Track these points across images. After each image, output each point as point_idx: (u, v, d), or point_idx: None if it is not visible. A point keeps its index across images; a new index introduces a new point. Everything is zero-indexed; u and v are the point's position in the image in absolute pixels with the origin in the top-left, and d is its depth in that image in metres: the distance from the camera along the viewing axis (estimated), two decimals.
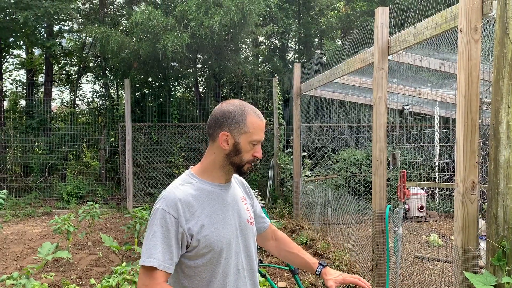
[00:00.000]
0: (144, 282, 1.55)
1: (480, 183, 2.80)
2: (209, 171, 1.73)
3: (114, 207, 10.20)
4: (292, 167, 8.86)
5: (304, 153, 8.68)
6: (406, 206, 7.33)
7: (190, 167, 1.80)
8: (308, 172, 8.66)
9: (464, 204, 2.75)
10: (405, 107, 6.97)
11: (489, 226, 2.50)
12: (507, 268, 2.40)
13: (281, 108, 10.25)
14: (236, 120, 1.68)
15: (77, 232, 6.99)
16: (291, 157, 8.97)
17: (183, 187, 1.67)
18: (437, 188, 7.22)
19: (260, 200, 6.38)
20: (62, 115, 13.22)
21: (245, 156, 1.70)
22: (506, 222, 2.41)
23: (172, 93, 11.86)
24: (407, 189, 4.31)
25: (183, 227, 1.59)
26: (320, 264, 1.98)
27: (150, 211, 7.11)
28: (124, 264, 4.39)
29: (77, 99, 14.05)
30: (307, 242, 6.52)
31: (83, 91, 22.38)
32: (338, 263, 5.33)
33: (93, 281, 4.31)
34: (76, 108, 13.94)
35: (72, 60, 14.05)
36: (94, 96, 13.76)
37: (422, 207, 7.51)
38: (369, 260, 4.73)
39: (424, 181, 6.84)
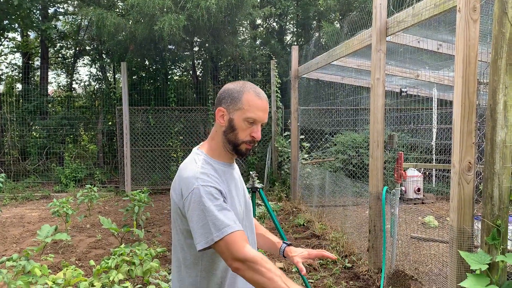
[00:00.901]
0: (232, 255, 1.49)
1: (477, 164, 2.81)
2: (218, 150, 1.73)
3: (112, 191, 10.23)
4: (289, 150, 8.88)
5: (302, 136, 8.69)
6: (403, 188, 7.37)
7: (199, 147, 1.77)
8: (306, 155, 8.68)
9: (460, 185, 2.78)
10: (403, 89, 6.96)
11: (484, 206, 2.52)
12: (501, 247, 2.43)
13: (279, 91, 10.21)
14: (233, 97, 1.67)
15: (75, 215, 7.02)
16: (289, 140, 8.98)
17: (207, 166, 1.65)
18: (434, 170, 7.26)
19: (258, 182, 6.41)
20: (59, 98, 13.15)
21: (240, 135, 1.68)
22: (501, 202, 2.43)
23: (169, 77, 11.79)
24: (404, 171, 4.33)
25: (224, 195, 1.60)
26: (284, 243, 1.99)
27: (149, 193, 7.07)
28: (123, 245, 4.42)
29: (73, 82, 13.98)
30: (304, 224, 6.57)
31: (79, 74, 22.29)
32: (335, 244, 5.39)
33: (92, 262, 4.35)
34: (73, 91, 13.86)
35: (68, 43, 13.92)
36: (90, 80, 13.69)
37: (418, 189, 7.56)
38: (365, 241, 4.78)
39: (421, 163, 6.87)
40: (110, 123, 11.96)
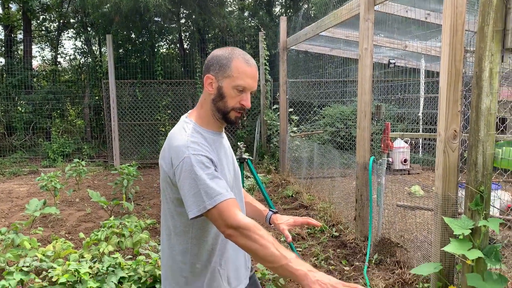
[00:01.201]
0: (224, 222, 1.49)
1: (462, 132, 2.85)
2: (207, 119, 1.71)
3: (101, 165, 10.19)
4: (278, 123, 8.88)
5: (291, 109, 8.68)
6: (390, 159, 7.45)
7: (187, 115, 1.75)
8: (295, 128, 8.70)
9: (446, 153, 2.81)
10: (391, 61, 6.95)
11: (468, 172, 2.56)
12: (484, 212, 2.48)
13: (267, 64, 10.12)
14: (221, 64, 1.64)
15: (64, 189, 7.00)
16: (278, 113, 8.97)
17: (196, 134, 1.64)
18: (420, 140, 7.34)
19: (248, 155, 6.43)
20: (44, 73, 12.90)
21: (229, 102, 1.66)
22: (485, 169, 2.47)
23: (156, 50, 11.60)
24: (391, 141, 4.37)
25: (215, 164, 1.59)
26: (270, 211, 2.01)
27: (138, 167, 7.04)
28: (112, 218, 4.44)
29: (58, 56, 13.69)
30: (293, 195, 6.64)
31: (64, 48, 21.80)
32: (322, 214, 5.47)
33: (82, 235, 4.36)
34: (58, 65, 13.60)
35: (52, 16, 13.56)
36: (76, 53, 13.41)
37: (405, 160, 7.65)
38: (352, 210, 4.86)
39: (408, 133, 6.93)
40: (97, 97, 11.81)
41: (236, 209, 1.52)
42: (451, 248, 2.44)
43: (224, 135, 1.81)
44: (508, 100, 2.73)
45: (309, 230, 5.03)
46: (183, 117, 1.75)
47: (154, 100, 10.62)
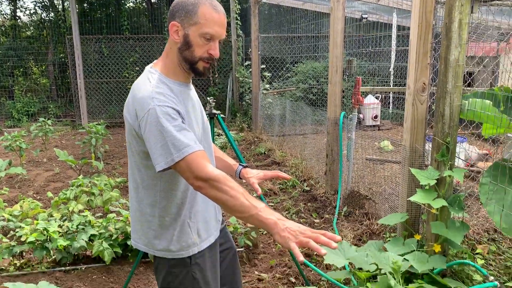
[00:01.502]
0: (193, 174, 1.46)
1: (431, 85, 2.86)
2: (173, 69, 1.63)
3: (68, 124, 9.92)
4: (251, 80, 8.77)
5: (263, 66, 8.56)
6: (361, 115, 7.54)
7: (152, 65, 1.67)
8: (267, 85, 8.62)
9: (414, 105, 2.83)
10: (363, 16, 6.88)
11: (436, 124, 2.59)
12: (449, 162, 2.54)
13: (238, 18, 9.86)
14: (187, 10, 1.56)
15: (30, 149, 6.80)
16: (250, 70, 8.84)
17: (162, 85, 1.57)
18: (391, 96, 7.42)
19: (220, 113, 6.35)
20: (2, 28, 12.21)
21: (197, 52, 1.58)
22: (451, 120, 2.51)
23: (121, 3, 11.09)
24: (362, 96, 4.38)
25: (182, 116, 1.54)
26: (240, 165, 2.00)
27: (107, 126, 6.89)
28: (81, 177, 4.35)
29: (18, 10, 12.93)
30: (265, 152, 6.67)
31: (24, 1, 20.59)
32: (294, 170, 5.53)
33: (50, 194, 4.29)
34: (18, 20, 12.87)
35: None
36: (37, 8, 12.70)
37: (376, 116, 7.74)
38: (323, 165, 4.92)
39: (378, 87, 6.98)
40: (61, 54, 11.33)
41: (205, 161, 1.48)
42: (417, 197, 2.51)
43: (191, 86, 1.75)
44: (478, 55, 2.74)
45: (281, 185, 5.09)
46: (147, 68, 1.67)
47: (121, 57, 10.26)
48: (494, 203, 2.27)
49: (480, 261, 2.78)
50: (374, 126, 7.78)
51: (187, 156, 1.46)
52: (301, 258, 1.36)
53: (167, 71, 1.63)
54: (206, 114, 2.79)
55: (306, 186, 4.96)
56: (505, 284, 2.49)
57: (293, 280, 3.10)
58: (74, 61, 9.44)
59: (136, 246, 1.75)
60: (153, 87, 1.54)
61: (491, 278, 2.33)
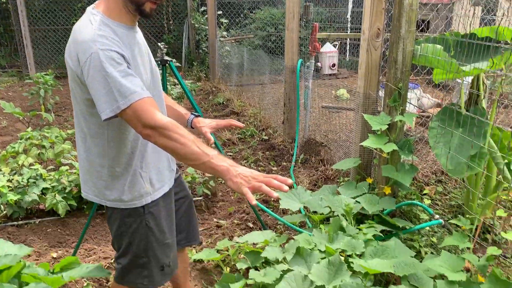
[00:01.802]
0: (141, 122, 1.39)
1: (385, 31, 2.86)
2: (117, 10, 1.52)
3: (15, 75, 9.36)
4: (207, 27, 8.49)
5: (220, 12, 8.28)
6: (319, 64, 7.54)
7: (94, 6, 1.55)
8: (225, 33, 8.39)
9: (369, 51, 2.84)
10: None
11: (388, 70, 2.62)
12: (401, 108, 2.60)
13: None
14: None
15: None
16: (206, 16, 8.54)
17: (105, 28, 1.46)
18: (348, 43, 7.42)
19: (175, 61, 6.16)
20: None
21: None
22: (404, 65, 2.54)
23: None
24: (318, 43, 4.35)
25: (127, 61, 1.45)
26: (192, 114, 1.96)
27: (56, 76, 6.53)
28: (29, 129, 4.17)
29: None
30: (224, 102, 6.60)
31: None
32: (253, 119, 5.52)
33: None
34: None
35: None
36: None
37: (333, 65, 7.77)
38: (281, 115, 4.94)
39: (334, 33, 6.94)
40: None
41: (153, 108, 1.43)
42: (369, 142, 2.57)
43: (138, 29, 1.65)
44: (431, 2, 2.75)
45: (239, 135, 5.09)
46: (89, 9, 1.55)
47: (69, 2, 9.61)
48: (442, 146, 2.37)
49: (427, 201, 2.93)
50: (331, 74, 7.82)
51: (134, 103, 1.39)
52: (253, 201, 1.38)
53: (110, 13, 1.52)
54: (157, 61, 2.69)
55: (265, 135, 4.99)
56: (449, 221, 2.65)
57: (251, 225, 3.17)
58: (16, 6, 8.76)
59: (87, 197, 1.71)
60: (95, 30, 1.44)
61: (437, 216, 2.47)
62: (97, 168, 1.63)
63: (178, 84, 6.41)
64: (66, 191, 3.19)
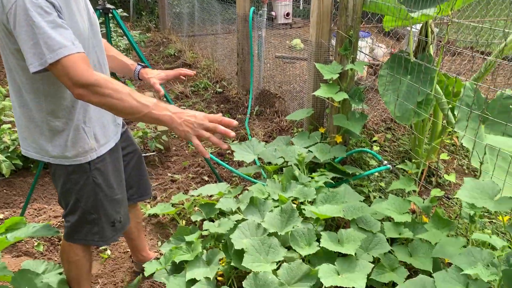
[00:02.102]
0: (71, 80, 1.30)
1: None
2: None
3: None
4: None
5: None
6: (273, 13, 7.39)
7: None
8: None
9: None
10: None
11: (339, 17, 2.59)
12: (352, 56, 2.60)
13: None
14: None
15: None
16: None
17: None
18: None
19: (121, 12, 5.83)
20: None
21: None
22: (354, 12, 2.51)
23: None
24: None
25: (58, 9, 1.33)
26: (139, 64, 1.89)
27: None
28: None
29: None
30: (175, 53, 6.39)
31: None
32: (206, 71, 5.40)
33: None
34: None
35: None
36: None
37: (288, 14, 7.63)
38: (235, 66, 4.84)
39: None
40: None
41: (84, 64, 1.33)
42: (321, 92, 2.58)
43: None
44: None
45: (192, 88, 4.98)
46: None
47: None
48: (390, 93, 2.41)
49: (376, 148, 3.02)
50: (286, 24, 7.70)
51: (63, 58, 1.30)
52: (207, 155, 1.37)
53: None
54: (99, 10, 2.53)
55: (219, 88, 4.91)
56: (396, 166, 2.76)
57: (206, 178, 3.17)
58: None
59: (27, 154, 1.62)
60: None
61: (385, 162, 2.56)
62: (37, 123, 1.54)
63: (123, 37, 6.11)
64: (10, 150, 3.04)
